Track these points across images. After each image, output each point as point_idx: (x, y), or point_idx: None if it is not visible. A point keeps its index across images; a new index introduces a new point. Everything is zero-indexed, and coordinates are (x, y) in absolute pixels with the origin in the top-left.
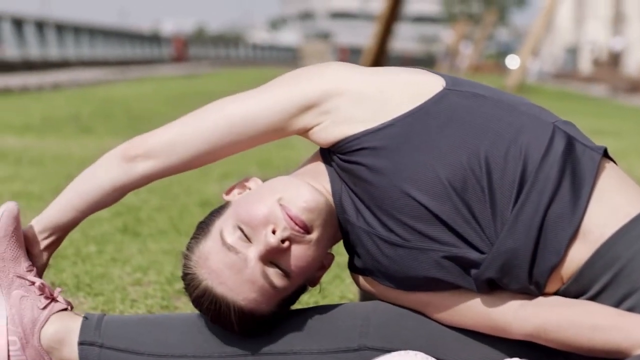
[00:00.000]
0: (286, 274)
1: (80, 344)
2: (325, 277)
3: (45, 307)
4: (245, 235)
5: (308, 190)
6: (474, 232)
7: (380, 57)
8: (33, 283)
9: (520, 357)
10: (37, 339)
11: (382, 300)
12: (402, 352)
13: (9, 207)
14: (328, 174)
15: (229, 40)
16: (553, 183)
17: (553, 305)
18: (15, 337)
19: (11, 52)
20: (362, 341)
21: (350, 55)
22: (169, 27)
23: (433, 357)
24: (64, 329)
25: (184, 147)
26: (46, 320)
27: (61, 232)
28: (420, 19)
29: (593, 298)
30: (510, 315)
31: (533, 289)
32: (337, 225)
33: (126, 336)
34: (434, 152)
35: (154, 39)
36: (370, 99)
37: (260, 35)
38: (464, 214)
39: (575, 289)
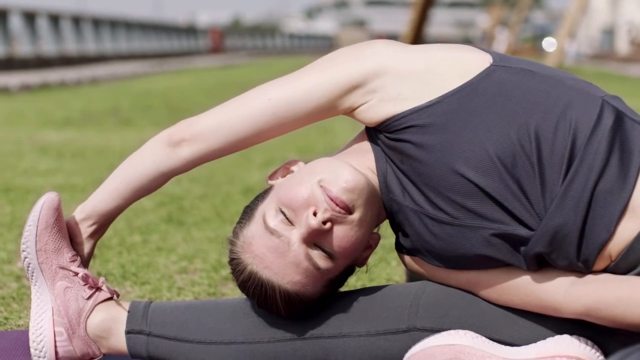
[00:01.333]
0: (330, 255)
1: (128, 332)
2: (371, 260)
3: (89, 297)
4: (287, 219)
5: (348, 170)
6: (524, 208)
7: (417, 43)
8: (76, 273)
9: (570, 334)
10: (84, 328)
11: (431, 281)
12: (452, 332)
13: (49, 197)
14: (373, 154)
15: (265, 31)
16: (602, 158)
17: (602, 282)
18: (62, 328)
19: (49, 47)
20: (412, 322)
21: None
22: (204, 19)
23: (483, 335)
24: (110, 318)
25: (230, 131)
26: (91, 310)
27: (106, 219)
28: (455, 4)
29: None
30: (561, 295)
31: (581, 266)
32: (381, 205)
33: (174, 324)
34: (482, 129)
35: (191, 31)
36: (417, 76)
37: (296, 25)
38: (513, 190)
39: (624, 266)
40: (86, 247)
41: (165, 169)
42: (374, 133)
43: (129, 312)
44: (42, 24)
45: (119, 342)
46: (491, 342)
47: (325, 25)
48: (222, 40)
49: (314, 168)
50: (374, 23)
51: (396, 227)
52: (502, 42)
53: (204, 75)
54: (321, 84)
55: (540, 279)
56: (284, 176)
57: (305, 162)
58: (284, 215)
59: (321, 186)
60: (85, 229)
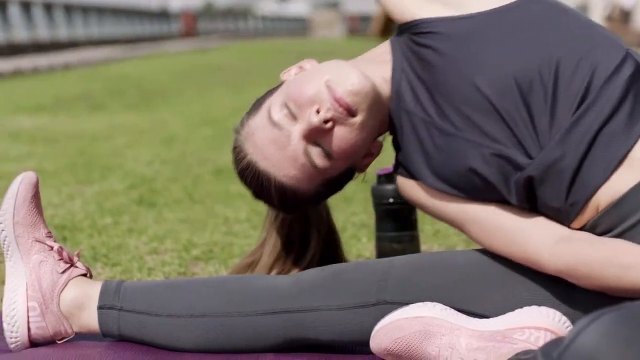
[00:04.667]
0: (328, 154)
1: (100, 308)
2: (343, 237)
3: (64, 272)
4: (292, 113)
5: (356, 74)
6: (529, 136)
7: (390, 23)
8: (52, 247)
9: (538, 306)
10: (57, 304)
11: (423, 210)
12: (420, 304)
13: (28, 174)
14: (392, 62)
15: (237, 14)
16: (613, 104)
17: (586, 242)
18: (35, 302)
19: (20, 34)
20: (381, 295)
21: (359, 22)
22: (177, 3)
23: (453, 307)
24: (83, 294)
25: None
26: (65, 285)
27: None
28: None
29: (623, 233)
30: (546, 251)
31: (568, 209)
32: (386, 115)
33: (145, 299)
34: (507, 49)
35: (163, 15)
36: None
37: (269, 7)
38: (523, 116)
39: (607, 221)
40: None
41: None
42: (397, 39)
43: (101, 288)
44: (14, 11)
45: (91, 318)
46: (460, 314)
47: (298, 7)
48: (194, 24)
49: (325, 68)
50: (347, 4)
51: (398, 144)
52: None
53: (177, 59)
54: None
55: (527, 229)
56: (296, 74)
57: (319, 62)
58: (289, 109)
59: (328, 86)
60: None
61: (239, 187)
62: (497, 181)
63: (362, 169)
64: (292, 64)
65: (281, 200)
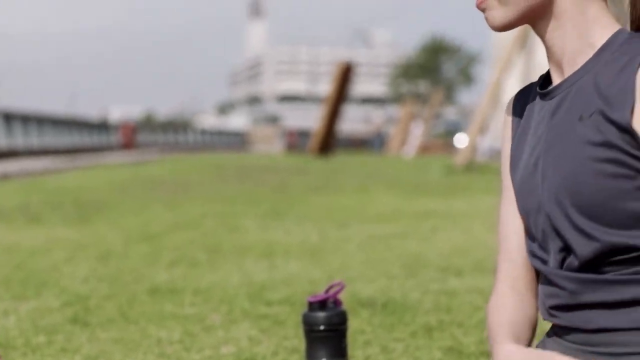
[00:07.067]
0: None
1: None
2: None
3: None
4: None
5: None
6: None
7: (329, 138)
8: None
9: None
10: None
11: None
12: None
13: None
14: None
15: (177, 126)
16: None
17: (508, 310)
18: None
19: None
20: None
21: (298, 137)
22: (116, 114)
23: None
24: None
25: None
26: None
27: None
28: (367, 100)
29: None
30: (501, 281)
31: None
32: None
33: None
34: None
35: (102, 126)
36: None
37: (209, 121)
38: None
39: None
40: None
41: None
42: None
43: None
44: None
45: None
46: None
47: (238, 120)
48: (134, 135)
49: None
50: (286, 118)
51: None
52: (417, 137)
53: (115, 171)
54: None
55: (520, 257)
56: None
57: None
58: None
59: None
60: None
61: (173, 308)
62: (540, 232)
63: None
64: (230, 180)
65: None
